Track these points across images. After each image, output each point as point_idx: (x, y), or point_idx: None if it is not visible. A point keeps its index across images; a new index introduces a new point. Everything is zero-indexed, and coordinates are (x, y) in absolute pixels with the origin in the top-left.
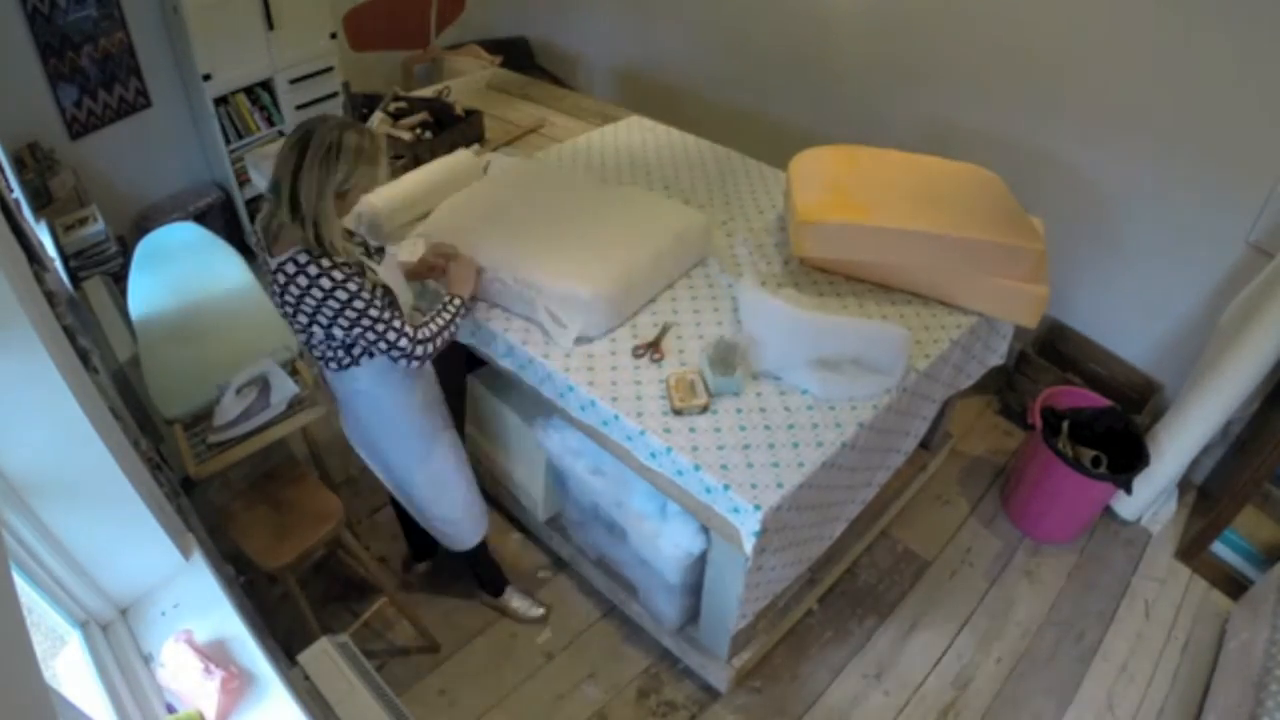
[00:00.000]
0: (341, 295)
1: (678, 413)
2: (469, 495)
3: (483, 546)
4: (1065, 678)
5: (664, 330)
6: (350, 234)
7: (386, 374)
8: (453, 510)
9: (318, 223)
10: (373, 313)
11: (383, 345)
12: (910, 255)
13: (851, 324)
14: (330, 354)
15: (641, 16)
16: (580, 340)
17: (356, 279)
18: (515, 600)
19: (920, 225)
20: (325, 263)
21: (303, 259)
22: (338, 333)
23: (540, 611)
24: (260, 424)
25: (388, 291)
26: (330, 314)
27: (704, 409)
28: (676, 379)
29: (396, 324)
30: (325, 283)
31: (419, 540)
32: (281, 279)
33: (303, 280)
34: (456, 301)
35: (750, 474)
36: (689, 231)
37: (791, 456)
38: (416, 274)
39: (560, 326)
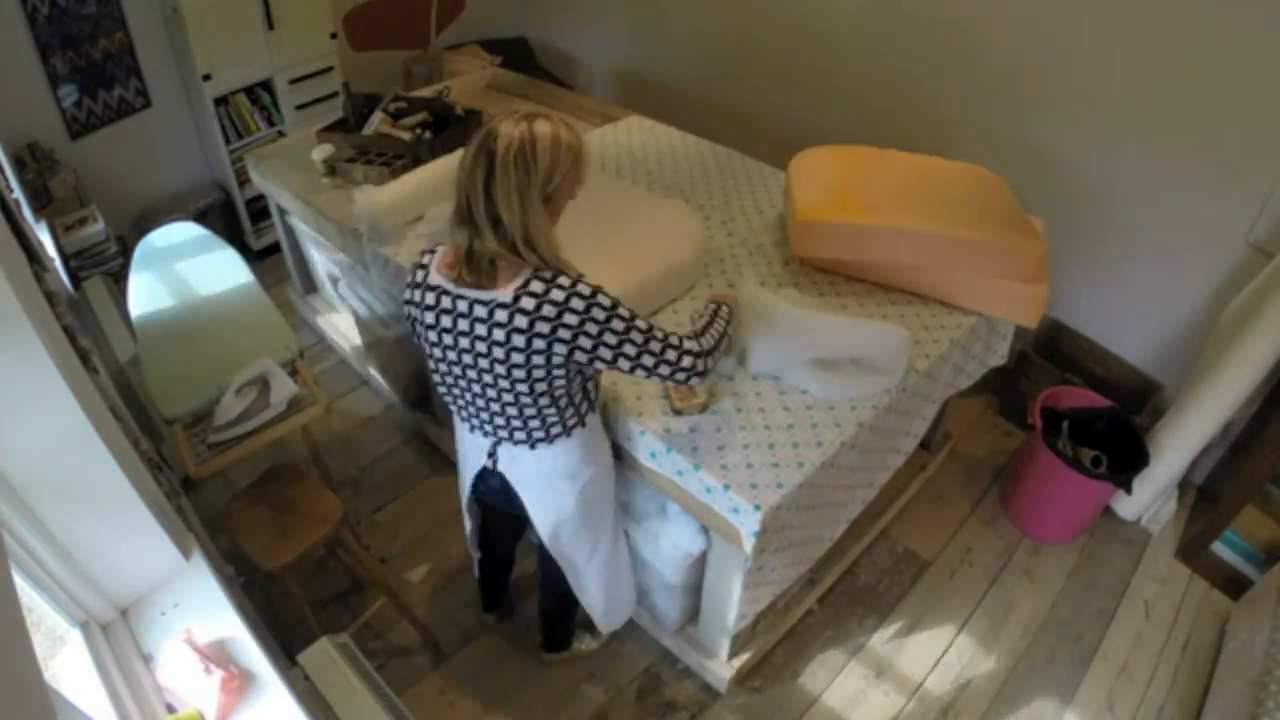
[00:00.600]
0: (618, 324)
1: (678, 413)
2: (631, 574)
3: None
4: (1065, 678)
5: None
6: None
7: (599, 432)
8: (621, 588)
9: (530, 240)
10: (640, 324)
11: (666, 360)
12: (910, 255)
13: (851, 324)
14: (568, 413)
15: (641, 16)
16: None
17: (604, 291)
18: (583, 643)
19: (921, 225)
20: (564, 280)
21: (548, 276)
22: (600, 363)
23: (603, 640)
24: (260, 424)
25: None
26: (591, 339)
27: (704, 409)
28: None
29: (661, 333)
30: (577, 303)
31: (493, 590)
32: (527, 308)
33: (554, 302)
34: (726, 310)
35: (750, 474)
36: (699, 249)
37: (791, 456)
38: None
39: None
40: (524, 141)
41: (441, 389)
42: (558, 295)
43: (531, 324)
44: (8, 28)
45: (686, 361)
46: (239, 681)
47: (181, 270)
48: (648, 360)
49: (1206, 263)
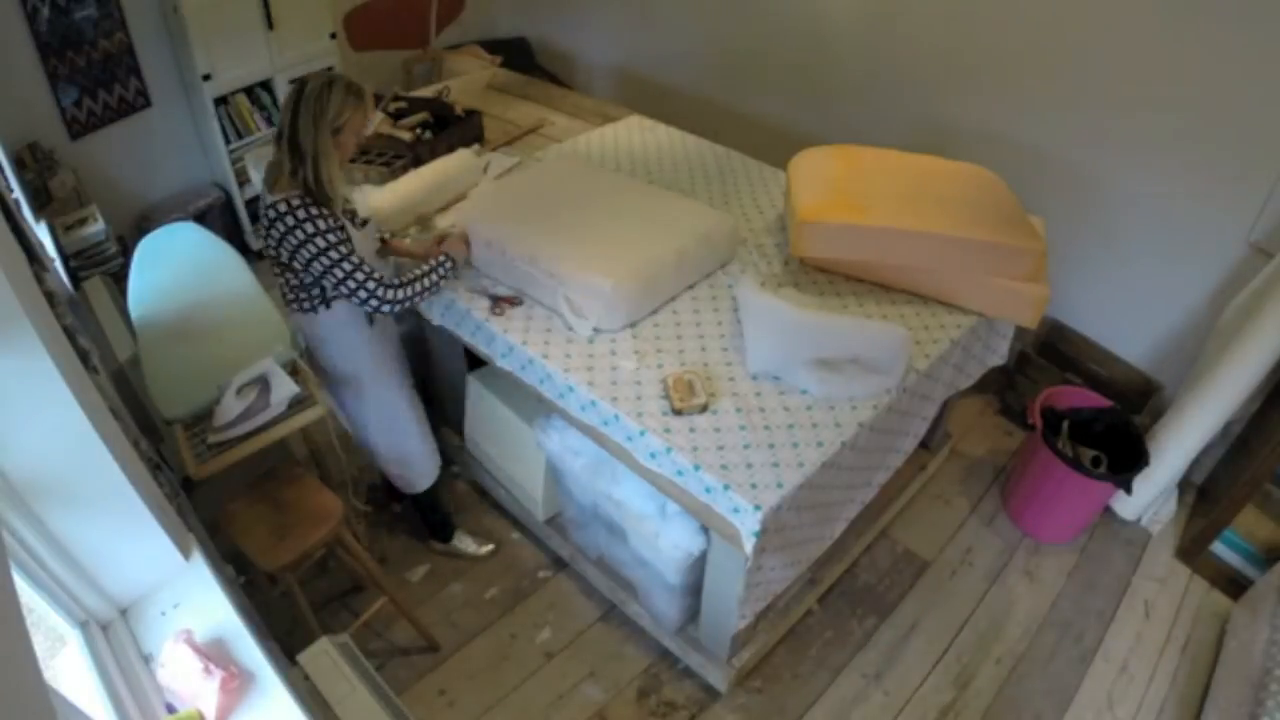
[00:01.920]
0: (320, 242)
1: (678, 413)
2: (422, 444)
3: (433, 494)
4: (1065, 678)
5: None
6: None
7: (348, 320)
8: (405, 454)
9: (316, 161)
10: (349, 260)
11: (351, 285)
12: (910, 255)
13: (851, 324)
14: (303, 294)
15: (641, 16)
16: (600, 332)
17: (338, 231)
18: (464, 542)
19: (920, 225)
20: (313, 211)
21: (295, 202)
22: (313, 273)
23: (489, 548)
24: (260, 424)
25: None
26: (307, 256)
27: (704, 409)
28: (675, 379)
29: (367, 270)
30: (309, 228)
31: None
32: (271, 215)
33: (289, 220)
34: (444, 262)
35: (750, 474)
36: (715, 234)
37: (791, 456)
38: (407, 252)
39: (579, 317)
40: (323, 88)
41: None
42: (289, 221)
43: (268, 228)
44: (8, 28)
45: (372, 286)
46: (239, 681)
47: (181, 270)
48: (340, 275)
49: (1206, 263)
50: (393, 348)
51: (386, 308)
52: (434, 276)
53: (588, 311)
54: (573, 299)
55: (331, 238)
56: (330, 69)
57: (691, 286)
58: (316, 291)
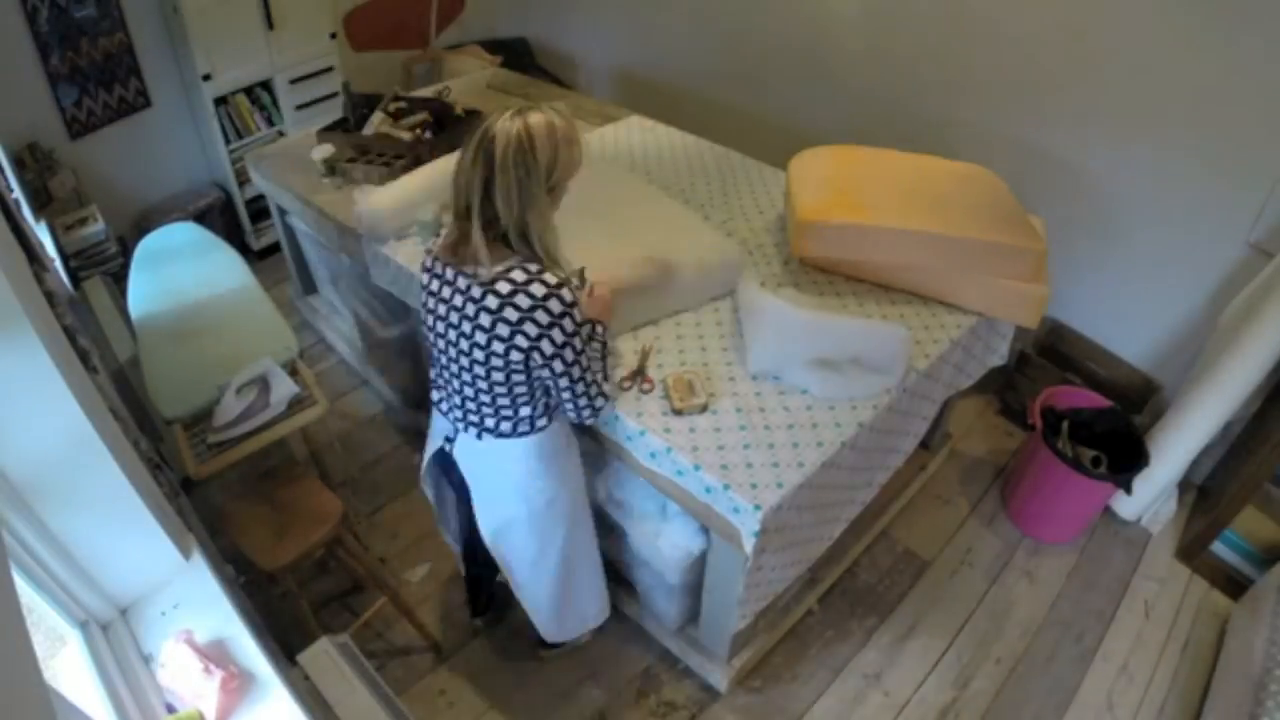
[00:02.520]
0: (568, 324)
1: (678, 413)
2: (597, 580)
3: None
4: (1065, 678)
5: (645, 355)
6: None
7: (558, 452)
8: (593, 585)
9: (526, 231)
10: (592, 353)
11: (584, 398)
12: (910, 255)
13: (851, 324)
14: (507, 408)
15: (641, 17)
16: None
17: (579, 308)
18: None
19: (920, 225)
20: (550, 279)
21: (533, 269)
22: (541, 378)
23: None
24: (260, 424)
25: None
26: (550, 349)
27: (704, 409)
28: (675, 379)
29: (601, 367)
30: (554, 305)
31: (479, 591)
32: (502, 291)
33: (530, 294)
34: (601, 334)
35: (750, 474)
36: (716, 265)
37: (791, 456)
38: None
39: None
40: (521, 139)
41: (433, 371)
42: (537, 290)
43: (501, 307)
44: (8, 28)
45: (599, 403)
46: (239, 681)
47: (181, 270)
48: (572, 388)
49: (1206, 263)
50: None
51: (601, 404)
52: (596, 348)
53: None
54: None
55: (577, 315)
56: (505, 109)
57: (692, 311)
58: (540, 406)
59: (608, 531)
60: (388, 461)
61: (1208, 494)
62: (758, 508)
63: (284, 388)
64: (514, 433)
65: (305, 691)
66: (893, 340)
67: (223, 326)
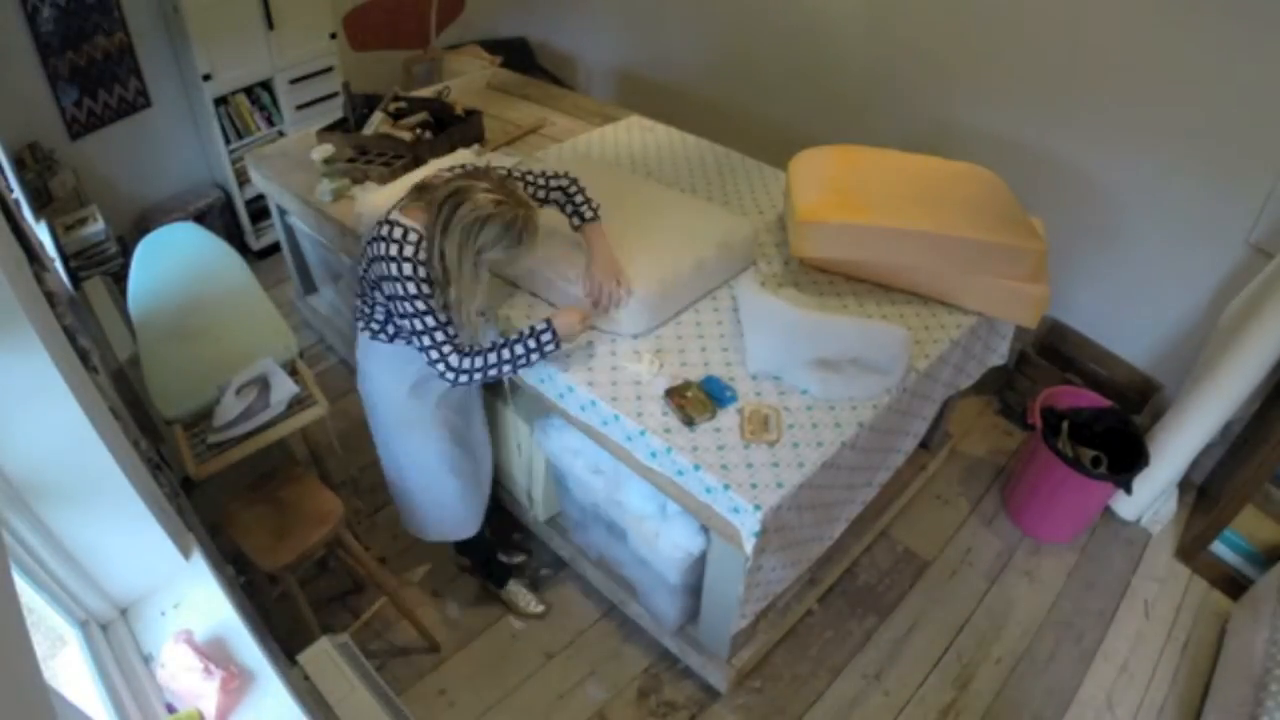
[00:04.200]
0: (404, 290)
1: (746, 444)
2: (458, 496)
3: (480, 543)
4: (1065, 678)
5: (687, 386)
6: None
7: (400, 365)
8: (438, 503)
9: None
10: (429, 321)
11: (424, 342)
12: (910, 255)
13: (851, 324)
14: (373, 322)
15: (641, 17)
16: (617, 338)
17: (428, 299)
18: (518, 595)
19: (920, 225)
20: (420, 256)
21: (413, 237)
22: (392, 312)
23: (540, 609)
24: (260, 424)
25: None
26: (389, 292)
27: (772, 445)
28: (752, 411)
29: (448, 332)
30: (404, 268)
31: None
32: (380, 231)
33: (386, 248)
34: (541, 332)
35: (750, 474)
36: (734, 239)
37: (791, 456)
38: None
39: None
40: (477, 217)
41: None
42: (386, 248)
43: (370, 241)
44: (8, 28)
45: (440, 368)
46: (239, 681)
47: (181, 270)
48: (413, 335)
49: (1206, 263)
50: (457, 398)
51: (451, 376)
52: (517, 350)
53: (610, 320)
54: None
55: (425, 289)
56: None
57: (712, 293)
58: (391, 328)
59: (608, 531)
60: None
61: (1208, 494)
62: (758, 508)
63: (284, 388)
64: (374, 336)
65: (305, 691)
66: (893, 340)
67: (222, 326)
